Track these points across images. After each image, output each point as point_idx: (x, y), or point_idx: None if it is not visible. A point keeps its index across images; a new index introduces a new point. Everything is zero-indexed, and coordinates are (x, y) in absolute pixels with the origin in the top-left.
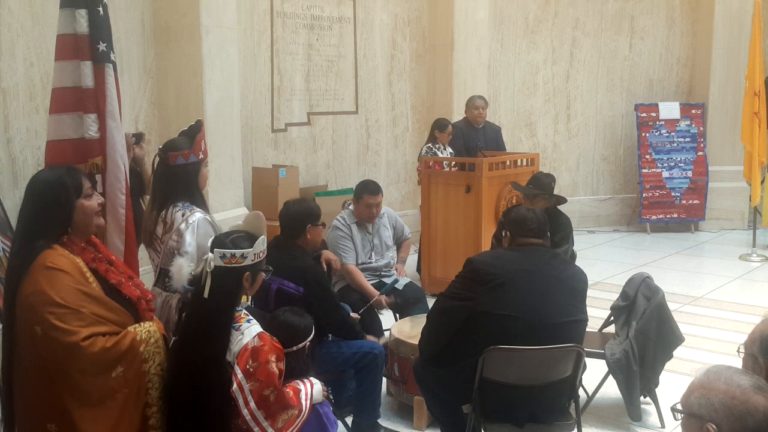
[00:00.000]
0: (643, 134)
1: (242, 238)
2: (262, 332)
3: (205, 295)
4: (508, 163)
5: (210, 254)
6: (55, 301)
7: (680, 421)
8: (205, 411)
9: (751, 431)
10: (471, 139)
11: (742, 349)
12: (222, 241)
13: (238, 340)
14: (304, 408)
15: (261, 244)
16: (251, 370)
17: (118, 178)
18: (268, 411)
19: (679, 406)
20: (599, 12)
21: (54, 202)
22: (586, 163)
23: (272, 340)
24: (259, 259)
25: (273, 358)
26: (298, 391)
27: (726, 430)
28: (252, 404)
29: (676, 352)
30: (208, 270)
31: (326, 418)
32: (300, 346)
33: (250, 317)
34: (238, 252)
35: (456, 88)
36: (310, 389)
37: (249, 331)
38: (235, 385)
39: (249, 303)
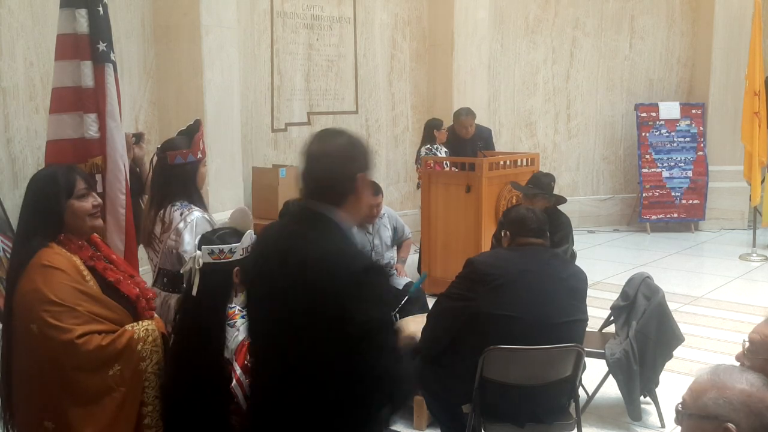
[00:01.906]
0: (643, 134)
1: (229, 233)
2: None
3: (194, 292)
4: (508, 163)
5: (198, 252)
6: (50, 299)
7: (684, 423)
8: (205, 409)
9: None
10: (459, 147)
11: (748, 345)
12: (209, 238)
13: (234, 337)
14: None
15: (248, 239)
16: (249, 365)
17: (118, 178)
18: None
19: (680, 407)
20: (599, 12)
21: (44, 202)
22: (586, 162)
23: None
24: (247, 254)
25: None
26: None
27: (745, 428)
28: None
29: (676, 352)
30: (197, 268)
31: None
32: None
33: (245, 313)
34: (225, 247)
35: (456, 88)
36: None
37: (245, 326)
38: (234, 382)
39: None
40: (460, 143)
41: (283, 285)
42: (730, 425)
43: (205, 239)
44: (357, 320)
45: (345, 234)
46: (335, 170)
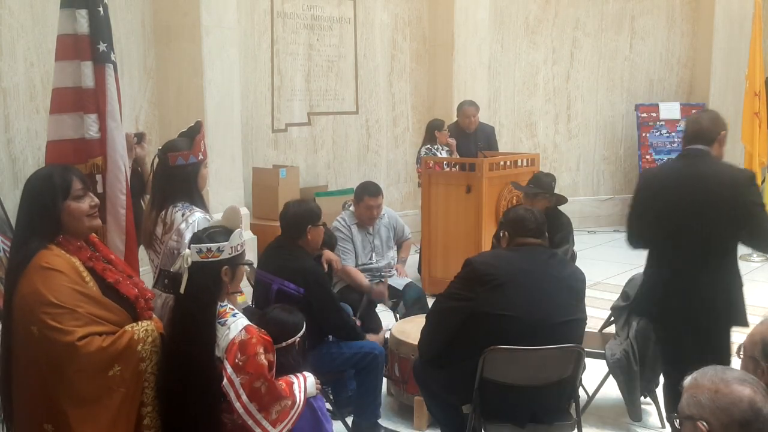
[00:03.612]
0: (644, 134)
1: (219, 232)
2: (248, 325)
3: (181, 290)
4: (508, 163)
5: (187, 250)
6: (50, 301)
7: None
8: (196, 407)
9: (739, 421)
10: (462, 143)
11: (742, 351)
12: (199, 236)
13: (224, 335)
14: (297, 400)
15: (237, 237)
16: (240, 363)
17: (118, 179)
18: (261, 403)
19: (675, 416)
20: (599, 12)
21: (40, 204)
22: (587, 163)
23: (259, 332)
24: (237, 252)
25: (261, 350)
26: (290, 384)
27: (716, 424)
28: (244, 397)
29: None
30: (186, 266)
31: (321, 412)
32: (289, 342)
33: (236, 311)
34: (214, 246)
35: (456, 88)
36: (303, 382)
37: (235, 325)
38: (225, 380)
39: (250, 303)
40: (463, 138)
41: (701, 187)
42: (701, 423)
43: (196, 238)
44: (749, 203)
45: (718, 160)
46: (706, 127)
